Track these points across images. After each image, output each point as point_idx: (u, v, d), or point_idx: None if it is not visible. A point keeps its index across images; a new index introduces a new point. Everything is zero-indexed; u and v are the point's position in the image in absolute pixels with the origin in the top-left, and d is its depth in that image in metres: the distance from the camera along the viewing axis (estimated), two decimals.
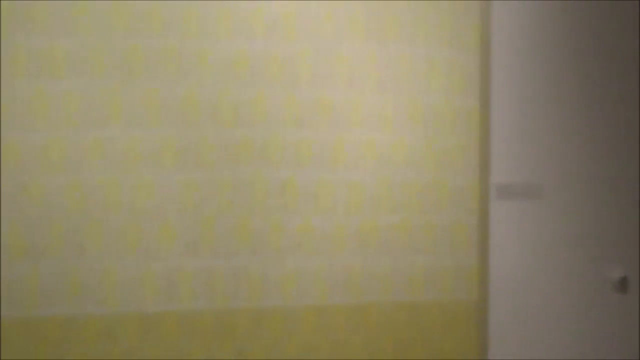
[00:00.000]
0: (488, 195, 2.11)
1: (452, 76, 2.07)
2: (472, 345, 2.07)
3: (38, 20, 1.81)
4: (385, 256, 2.01)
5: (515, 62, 2.17)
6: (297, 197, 1.97)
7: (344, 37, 2.00)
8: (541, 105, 2.10)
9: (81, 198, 1.81)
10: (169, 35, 1.88)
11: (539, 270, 2.21)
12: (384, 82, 2.02)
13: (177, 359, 1.85)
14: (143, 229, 1.84)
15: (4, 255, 1.75)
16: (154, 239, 1.85)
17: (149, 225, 1.85)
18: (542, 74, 2.19)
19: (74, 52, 1.82)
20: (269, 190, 1.94)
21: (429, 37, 2.05)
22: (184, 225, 1.87)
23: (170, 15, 1.88)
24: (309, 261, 1.96)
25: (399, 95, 2.03)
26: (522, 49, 2.17)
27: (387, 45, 2.02)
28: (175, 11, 1.88)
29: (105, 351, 1.81)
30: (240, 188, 1.92)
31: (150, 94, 1.87)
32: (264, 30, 1.94)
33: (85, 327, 1.79)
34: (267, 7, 1.94)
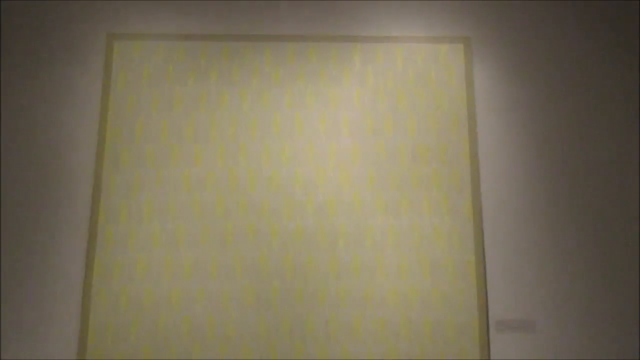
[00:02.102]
0: (487, 329, 2.82)
1: (452, 238, 2.89)
2: None
3: (169, 209, 2.91)
4: None
5: (505, 225, 2.94)
6: (338, 330, 2.81)
7: (370, 215, 2.92)
8: (530, 256, 2.83)
9: (192, 329, 2.79)
10: (250, 216, 2.91)
11: None
12: (400, 243, 2.89)
13: None
14: (229, 346, 2.77)
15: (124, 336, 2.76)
16: (240, 354, 2.77)
17: (234, 345, 2.78)
18: (531, 229, 2.96)
19: (190, 232, 2.89)
20: (316, 326, 2.81)
21: (433, 211, 2.91)
22: (257, 345, 2.78)
23: (253, 204, 2.92)
24: None
25: (413, 252, 2.88)
26: (510, 216, 2.96)
27: (399, 218, 2.91)
28: (254, 205, 2.92)
29: None
30: (296, 324, 2.80)
31: (236, 259, 2.87)
32: (313, 213, 2.91)
33: None
34: (315, 198, 2.93)
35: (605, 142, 3.01)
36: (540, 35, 3.14)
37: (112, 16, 3.06)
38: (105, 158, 2.91)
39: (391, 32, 3.08)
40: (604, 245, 2.90)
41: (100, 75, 2.99)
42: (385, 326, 2.81)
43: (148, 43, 3.02)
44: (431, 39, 3.06)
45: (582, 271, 2.88)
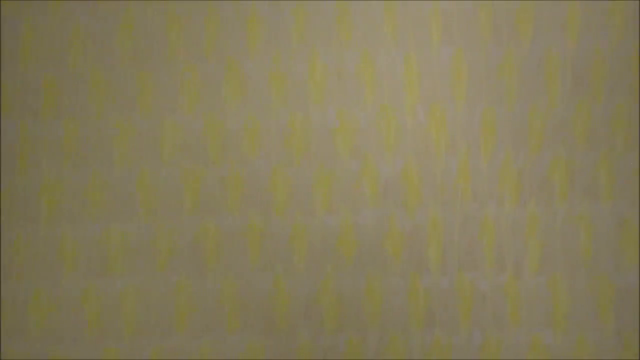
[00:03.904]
0: None
1: None
2: None
3: (97, 199, 1.62)
4: None
5: None
6: None
7: (488, 199, 1.56)
8: None
9: None
10: (253, 209, 1.59)
11: None
12: (552, 257, 1.55)
13: None
14: None
15: None
16: None
17: None
18: None
19: (138, 242, 1.60)
20: None
21: (620, 191, 1.55)
22: None
23: (251, 186, 1.60)
24: None
25: (574, 274, 1.57)
26: None
27: (551, 205, 1.56)
28: (257, 182, 1.60)
29: None
30: None
31: (225, 290, 1.60)
32: (374, 197, 1.58)
33: None
34: (378, 168, 1.57)
35: None
36: None
37: None
38: None
39: None
40: None
41: None
42: None
43: None
44: None
45: None
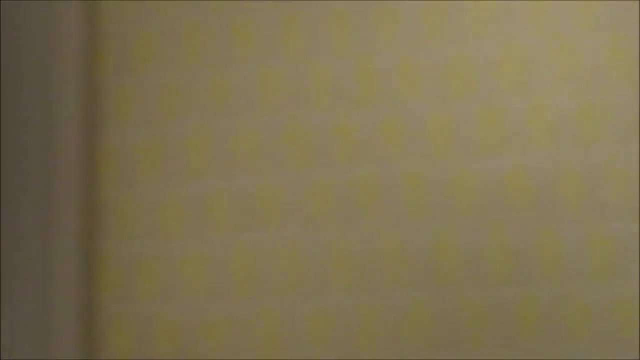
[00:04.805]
0: None
1: None
2: None
3: (236, 156, 1.50)
4: None
5: None
6: None
7: None
8: None
9: None
10: (406, 156, 1.44)
11: None
12: None
13: None
14: None
15: None
16: None
17: None
18: None
19: (280, 192, 1.47)
20: None
21: None
22: None
23: (408, 129, 1.44)
24: None
25: None
26: None
27: None
28: (414, 124, 1.44)
29: None
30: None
31: (384, 244, 1.46)
32: (545, 136, 1.40)
33: None
34: (549, 103, 1.39)
35: None
36: None
37: None
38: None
39: None
40: None
41: None
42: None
43: None
44: None
45: None
